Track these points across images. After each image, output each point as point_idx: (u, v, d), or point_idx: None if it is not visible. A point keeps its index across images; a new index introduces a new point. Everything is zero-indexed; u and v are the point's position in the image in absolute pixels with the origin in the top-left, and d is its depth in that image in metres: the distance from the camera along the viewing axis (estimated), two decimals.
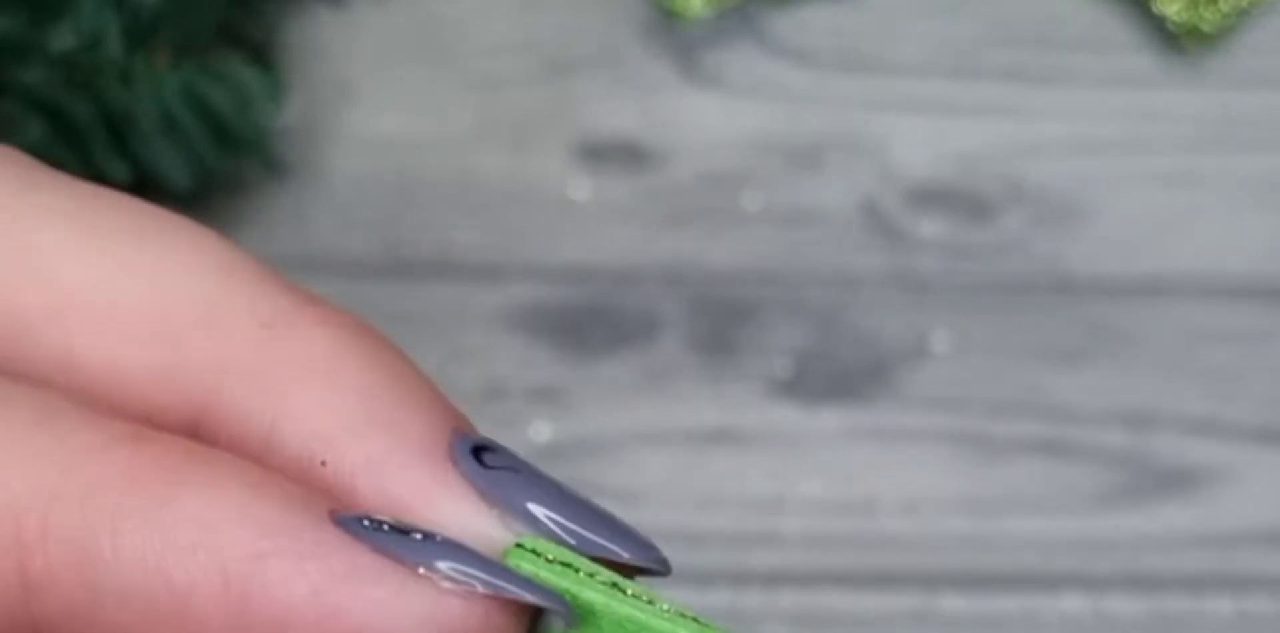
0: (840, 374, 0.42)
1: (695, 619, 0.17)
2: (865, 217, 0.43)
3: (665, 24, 0.43)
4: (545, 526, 0.17)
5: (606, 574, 0.17)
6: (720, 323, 0.42)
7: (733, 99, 0.43)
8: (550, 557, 0.17)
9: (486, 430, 0.18)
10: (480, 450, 0.17)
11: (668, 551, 0.18)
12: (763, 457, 0.41)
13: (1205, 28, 0.43)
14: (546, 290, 0.42)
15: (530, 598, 0.16)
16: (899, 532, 0.41)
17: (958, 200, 0.43)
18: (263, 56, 0.42)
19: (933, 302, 0.43)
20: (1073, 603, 0.41)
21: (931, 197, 0.43)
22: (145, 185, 0.39)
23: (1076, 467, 0.42)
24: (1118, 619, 0.41)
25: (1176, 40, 0.44)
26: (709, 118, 0.43)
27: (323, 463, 0.17)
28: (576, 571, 0.17)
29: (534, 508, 0.17)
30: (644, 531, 0.18)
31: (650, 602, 0.17)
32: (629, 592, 0.17)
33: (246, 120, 0.40)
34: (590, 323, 0.42)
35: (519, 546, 0.17)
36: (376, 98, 0.43)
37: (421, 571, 0.16)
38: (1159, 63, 0.44)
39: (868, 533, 0.41)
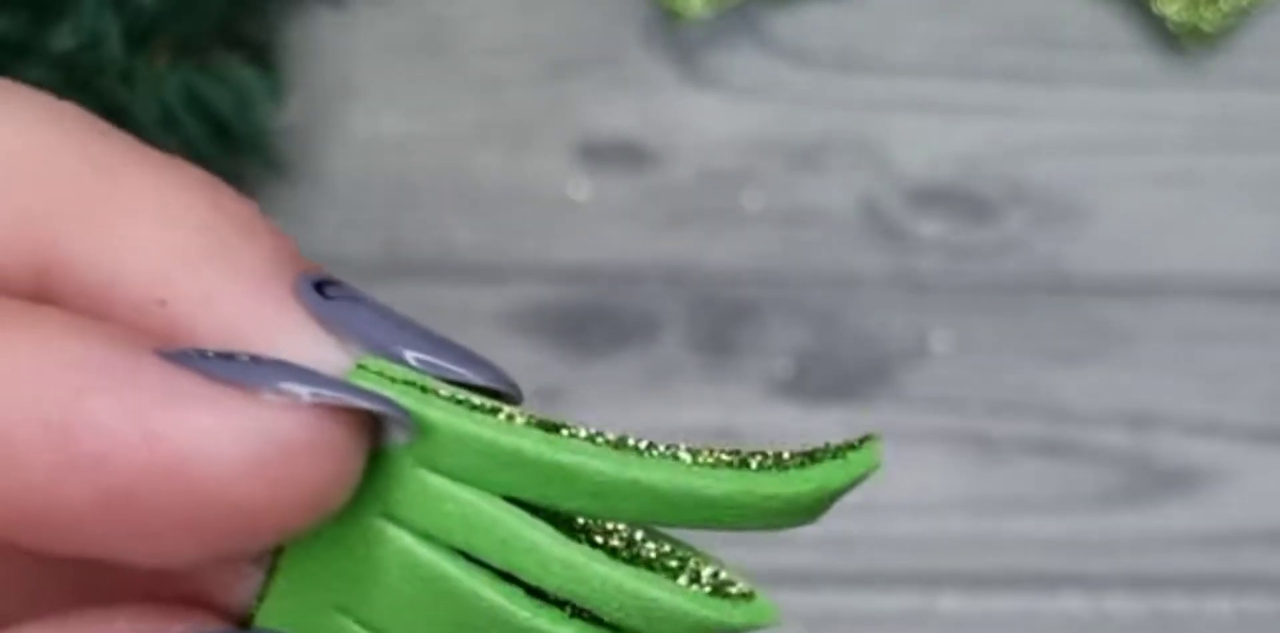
0: (840, 374, 0.42)
1: (543, 426, 0.16)
2: (865, 217, 0.43)
3: (665, 24, 0.43)
4: (390, 349, 0.17)
5: (452, 390, 0.17)
6: (720, 323, 0.42)
7: (733, 99, 0.43)
8: (394, 377, 0.16)
9: None
10: (323, 285, 0.17)
11: None
12: None
13: (1205, 28, 0.43)
14: (546, 290, 0.42)
15: (362, 404, 0.16)
16: (899, 532, 0.41)
17: (958, 200, 0.43)
18: (263, 56, 0.42)
19: (933, 302, 0.43)
20: (1073, 603, 0.41)
21: (931, 197, 0.43)
22: None
23: (1076, 467, 0.42)
24: (1118, 619, 0.41)
25: (1177, 40, 0.44)
26: (709, 118, 0.43)
27: (162, 302, 0.16)
28: (421, 389, 0.16)
29: (377, 333, 0.17)
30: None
31: (497, 414, 0.16)
32: (477, 405, 0.16)
33: (246, 120, 0.40)
34: (590, 323, 0.42)
35: (361, 367, 0.16)
36: (376, 98, 0.43)
37: (246, 389, 0.15)
38: (1159, 63, 0.44)
39: (868, 533, 0.41)
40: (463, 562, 0.17)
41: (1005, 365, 0.42)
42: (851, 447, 0.18)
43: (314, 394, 0.15)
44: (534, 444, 0.16)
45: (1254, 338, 0.43)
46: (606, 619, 0.17)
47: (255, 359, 0.16)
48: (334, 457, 0.16)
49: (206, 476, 0.15)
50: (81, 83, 0.38)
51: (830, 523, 0.45)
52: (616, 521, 0.17)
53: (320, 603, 0.17)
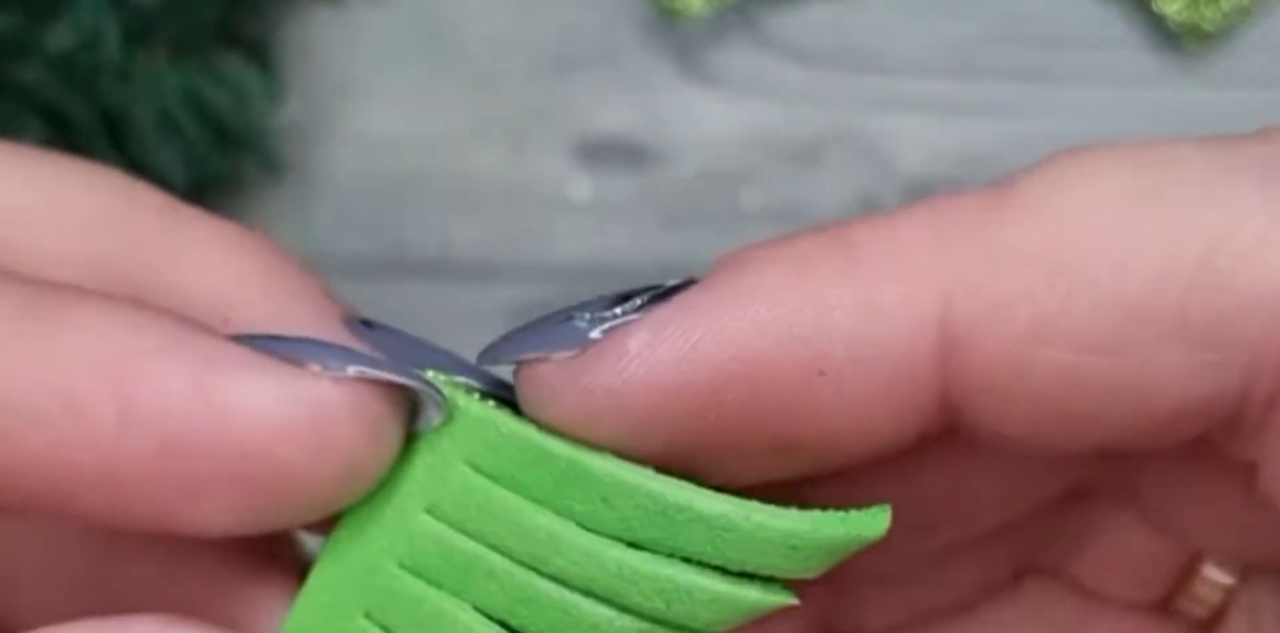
0: None
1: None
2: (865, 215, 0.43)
3: (665, 23, 0.43)
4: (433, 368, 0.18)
5: (494, 401, 0.18)
6: None
7: (732, 98, 0.43)
8: (444, 381, 0.18)
9: None
10: (365, 323, 0.19)
11: None
12: None
13: (1206, 27, 0.43)
14: (546, 290, 0.42)
15: (400, 379, 0.17)
16: None
17: None
18: (261, 56, 0.42)
19: None
20: None
21: (931, 195, 0.43)
22: None
23: None
24: None
25: (1177, 39, 0.44)
26: (709, 117, 0.43)
27: (226, 320, 0.18)
28: (466, 390, 0.18)
29: (419, 355, 0.18)
30: None
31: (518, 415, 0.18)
32: (516, 412, 0.18)
33: (245, 120, 0.40)
34: None
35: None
36: (376, 98, 0.43)
37: (293, 362, 0.17)
38: (1159, 62, 0.44)
39: None
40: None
41: None
42: (858, 509, 0.18)
43: (357, 370, 0.17)
44: (562, 445, 0.17)
45: None
46: (633, 608, 0.17)
47: (303, 339, 0.17)
48: (371, 426, 0.17)
49: (252, 430, 0.16)
50: (79, 82, 0.38)
51: None
52: (620, 530, 0.17)
53: (348, 609, 0.18)
